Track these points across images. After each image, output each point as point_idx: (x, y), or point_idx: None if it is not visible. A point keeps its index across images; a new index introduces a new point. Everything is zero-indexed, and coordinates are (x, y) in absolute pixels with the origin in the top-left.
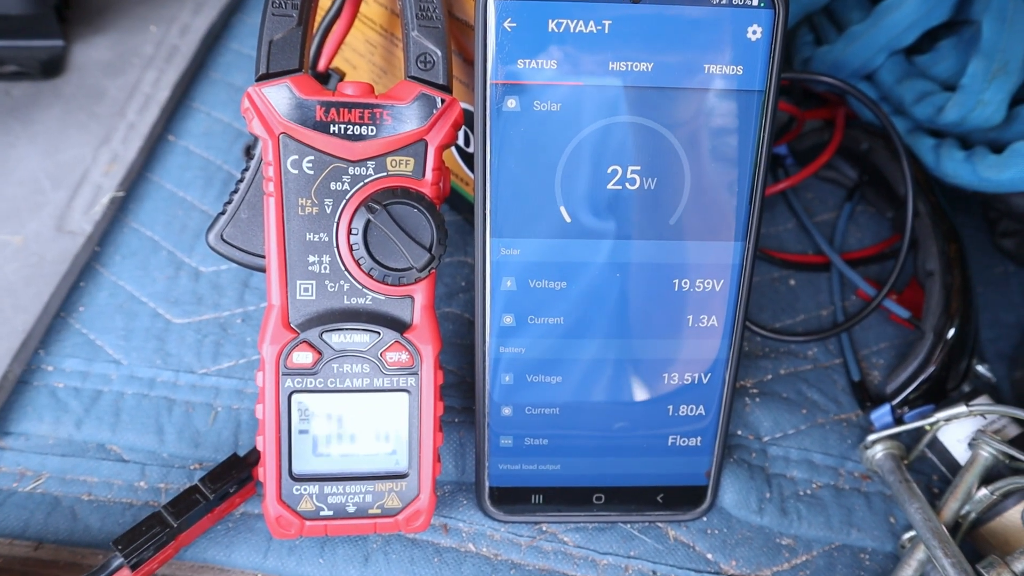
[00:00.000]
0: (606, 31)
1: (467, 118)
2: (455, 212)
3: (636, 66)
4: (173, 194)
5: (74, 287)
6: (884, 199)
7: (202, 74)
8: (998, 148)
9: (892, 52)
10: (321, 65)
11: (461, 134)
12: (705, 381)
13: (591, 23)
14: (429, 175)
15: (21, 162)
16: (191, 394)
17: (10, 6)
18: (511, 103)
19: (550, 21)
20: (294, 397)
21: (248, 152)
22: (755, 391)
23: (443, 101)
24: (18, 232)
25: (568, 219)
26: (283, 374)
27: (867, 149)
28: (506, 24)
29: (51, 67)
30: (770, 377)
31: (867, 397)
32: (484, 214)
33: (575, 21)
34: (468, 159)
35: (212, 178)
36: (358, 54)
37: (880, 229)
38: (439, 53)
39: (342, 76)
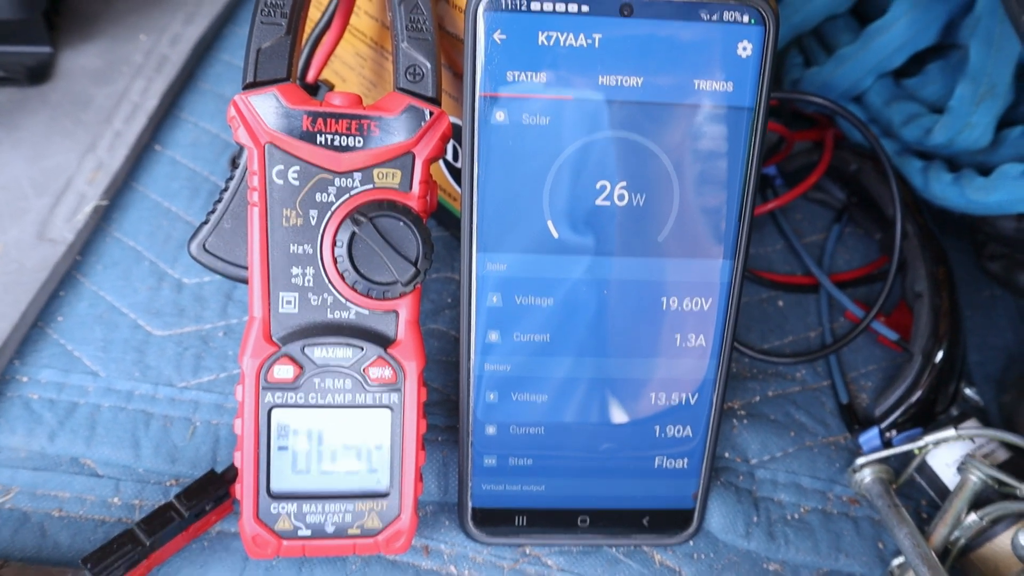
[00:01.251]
0: (596, 45)
1: (455, 131)
2: (442, 227)
3: (626, 81)
4: (158, 204)
5: (53, 296)
6: (872, 220)
7: (191, 84)
8: (986, 170)
9: (880, 74)
10: (310, 76)
11: (449, 148)
12: (692, 402)
13: (581, 37)
14: (416, 188)
15: (3, 168)
16: (169, 408)
17: (0, 10)
18: (499, 116)
19: (540, 34)
20: (274, 412)
21: (234, 162)
22: (743, 412)
23: (431, 114)
24: None
25: (555, 235)
26: (263, 388)
27: (856, 170)
28: (496, 36)
29: (38, 73)
30: (758, 399)
31: (855, 420)
32: (471, 228)
33: (565, 34)
34: (456, 173)
35: (198, 189)
36: (347, 66)
37: (868, 250)
38: (428, 65)
39: (331, 88)
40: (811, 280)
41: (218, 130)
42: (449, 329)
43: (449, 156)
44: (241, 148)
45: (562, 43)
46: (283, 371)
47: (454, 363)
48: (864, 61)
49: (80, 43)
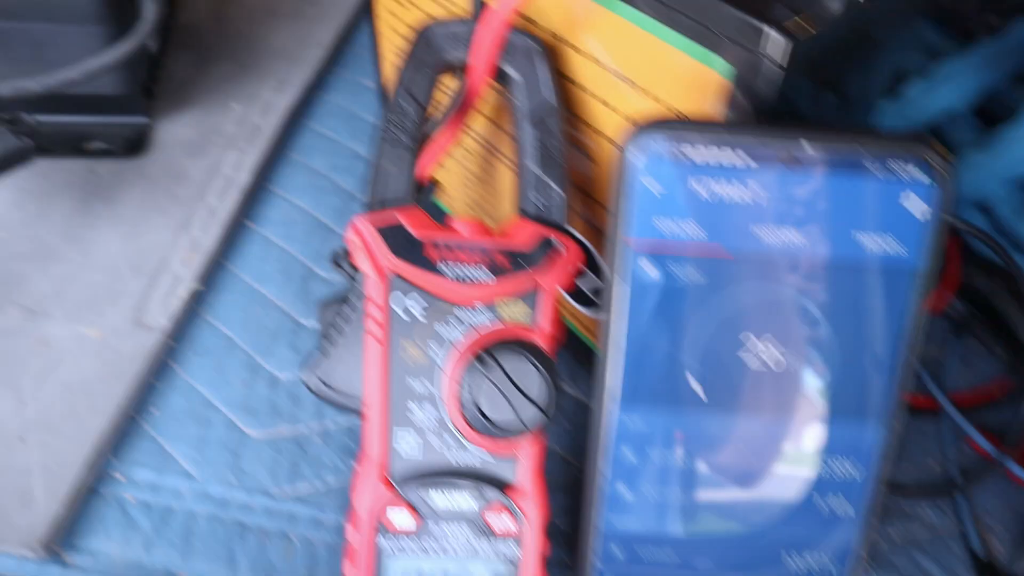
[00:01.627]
0: (757, 198)
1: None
2: None
3: (785, 236)
4: (250, 288)
5: (147, 386)
6: (994, 335)
7: (281, 155)
8: None
9: (1010, 182)
10: (419, 174)
11: None
12: (832, 571)
13: (740, 188)
14: (544, 323)
15: (103, 246)
16: (265, 519)
17: (105, 86)
18: (647, 267)
19: (695, 183)
20: (389, 560)
21: (336, 263)
22: (868, 561)
23: (562, 245)
24: (96, 323)
25: (700, 394)
26: (379, 534)
27: (984, 288)
28: (648, 183)
29: (135, 145)
30: (882, 543)
31: (991, 574)
32: (607, 380)
33: (722, 184)
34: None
35: (290, 273)
36: (452, 158)
37: (987, 366)
38: (560, 194)
39: (436, 184)
40: (930, 403)
41: (308, 206)
42: (553, 445)
43: None
44: (346, 251)
45: (719, 194)
46: (401, 519)
47: (561, 484)
48: (994, 169)
49: (174, 113)
